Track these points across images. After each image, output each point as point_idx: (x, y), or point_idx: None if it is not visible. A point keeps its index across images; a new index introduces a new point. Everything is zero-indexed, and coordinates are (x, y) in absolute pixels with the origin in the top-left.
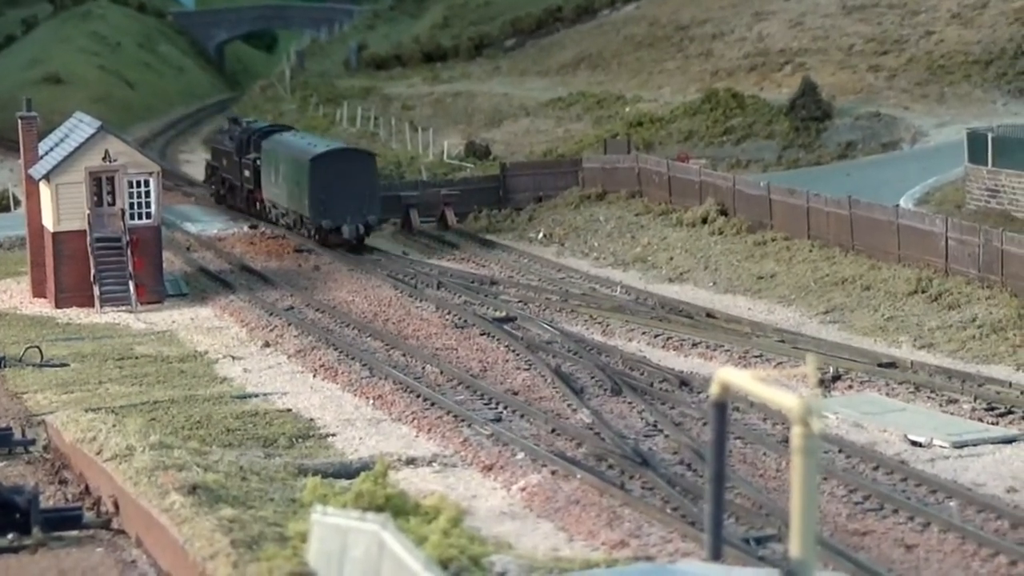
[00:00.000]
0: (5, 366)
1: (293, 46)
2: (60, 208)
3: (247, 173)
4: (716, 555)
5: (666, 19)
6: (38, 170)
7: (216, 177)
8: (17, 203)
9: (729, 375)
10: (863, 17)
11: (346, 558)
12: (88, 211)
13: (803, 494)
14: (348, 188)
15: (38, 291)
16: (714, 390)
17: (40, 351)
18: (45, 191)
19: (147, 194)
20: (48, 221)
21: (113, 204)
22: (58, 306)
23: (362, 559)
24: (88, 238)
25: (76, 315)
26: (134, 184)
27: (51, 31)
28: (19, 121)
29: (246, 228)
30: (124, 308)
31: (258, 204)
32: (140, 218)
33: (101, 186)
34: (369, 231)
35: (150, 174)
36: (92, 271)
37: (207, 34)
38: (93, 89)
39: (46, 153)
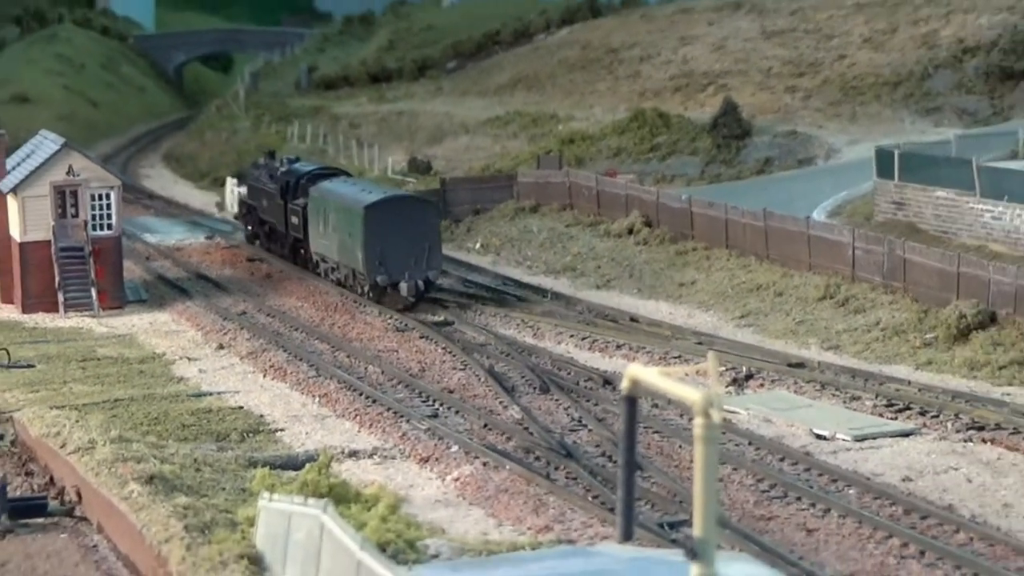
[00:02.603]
0: None
1: (247, 67)
2: (26, 220)
3: (295, 220)
4: (627, 537)
5: (597, 43)
6: (5, 184)
7: (253, 217)
8: None
9: (638, 372)
10: (781, 41)
11: (290, 540)
12: (53, 222)
13: (705, 479)
14: (406, 240)
15: (6, 297)
16: (625, 385)
17: (8, 353)
18: (12, 204)
19: (108, 206)
20: (15, 232)
21: (76, 216)
22: (25, 311)
23: (304, 541)
24: (53, 248)
25: (42, 320)
26: (96, 197)
27: (18, 53)
28: None
29: (202, 238)
30: (87, 313)
31: (303, 253)
32: (102, 229)
33: (65, 199)
34: (429, 288)
35: (111, 188)
36: (57, 279)
37: (166, 56)
38: (58, 108)
39: (13, 168)
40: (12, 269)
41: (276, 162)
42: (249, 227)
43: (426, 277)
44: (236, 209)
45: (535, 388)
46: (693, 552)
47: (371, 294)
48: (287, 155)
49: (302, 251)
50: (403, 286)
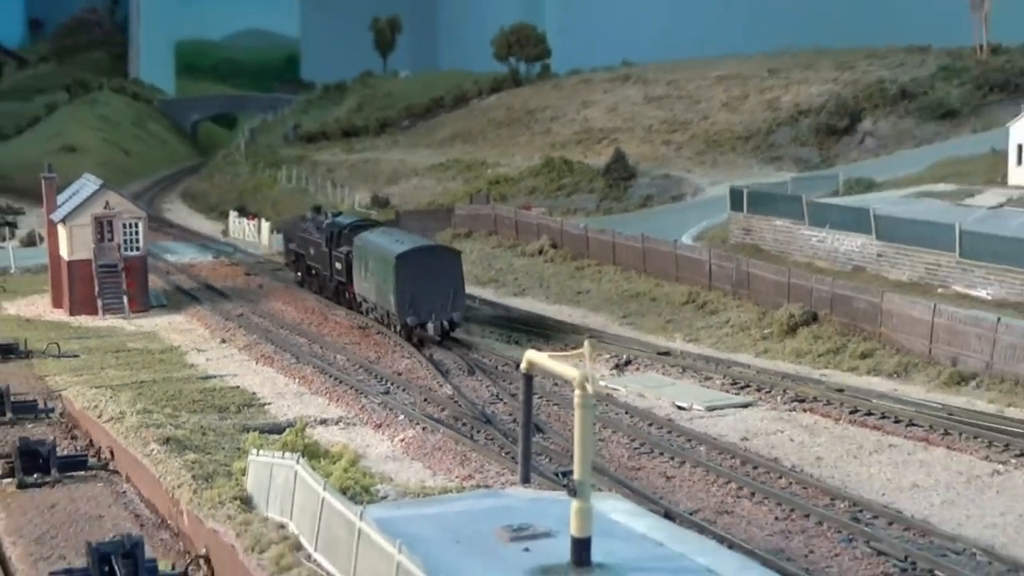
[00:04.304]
0: (32, 357)
1: (247, 124)
2: (73, 243)
3: (338, 266)
4: (525, 480)
5: (519, 106)
6: (57, 216)
7: (301, 264)
8: (41, 240)
9: (534, 355)
10: (660, 105)
11: (272, 485)
12: (93, 245)
13: (582, 436)
14: (433, 285)
15: (57, 303)
16: (523, 366)
17: (58, 346)
18: (62, 231)
19: (137, 233)
20: (64, 252)
21: (112, 240)
22: (71, 314)
23: (282, 485)
24: (93, 265)
25: (84, 320)
26: (127, 226)
27: (67, 113)
28: (43, 180)
29: (210, 258)
30: (120, 316)
31: (347, 295)
32: (132, 250)
33: (103, 227)
34: (454, 328)
35: (139, 219)
36: (96, 289)
37: (184, 116)
38: (98, 156)
39: (63, 204)
40: (61, 282)
41: (321, 216)
42: (298, 272)
43: (451, 318)
44: (282, 254)
45: (464, 371)
46: (573, 491)
47: (402, 333)
48: (331, 210)
49: (345, 293)
50: (430, 326)
